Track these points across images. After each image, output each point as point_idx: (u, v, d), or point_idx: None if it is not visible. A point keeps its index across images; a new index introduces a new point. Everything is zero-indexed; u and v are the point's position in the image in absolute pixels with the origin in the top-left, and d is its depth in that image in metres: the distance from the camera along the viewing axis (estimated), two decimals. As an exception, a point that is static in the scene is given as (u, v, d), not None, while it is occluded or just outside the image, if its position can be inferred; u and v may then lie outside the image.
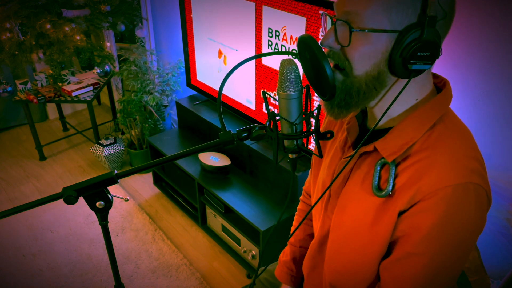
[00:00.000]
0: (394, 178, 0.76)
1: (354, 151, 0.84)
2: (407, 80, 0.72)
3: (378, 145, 0.78)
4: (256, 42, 2.03)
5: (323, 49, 0.73)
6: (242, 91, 2.25)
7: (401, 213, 0.75)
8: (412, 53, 0.68)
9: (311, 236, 1.17)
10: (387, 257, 0.82)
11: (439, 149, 0.73)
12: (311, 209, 0.87)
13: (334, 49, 0.75)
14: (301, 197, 1.23)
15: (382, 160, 0.78)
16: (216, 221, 2.27)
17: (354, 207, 0.83)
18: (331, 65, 0.76)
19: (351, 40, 0.71)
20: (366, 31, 0.70)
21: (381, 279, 0.83)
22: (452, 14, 0.73)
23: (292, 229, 1.20)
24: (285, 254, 1.19)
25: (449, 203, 0.70)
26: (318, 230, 0.95)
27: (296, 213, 1.23)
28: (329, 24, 0.77)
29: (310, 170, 1.12)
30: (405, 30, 0.69)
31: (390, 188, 0.75)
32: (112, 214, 2.55)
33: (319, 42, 0.74)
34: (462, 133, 0.77)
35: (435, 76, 0.83)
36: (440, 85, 0.82)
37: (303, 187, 1.22)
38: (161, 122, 2.88)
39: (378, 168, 0.78)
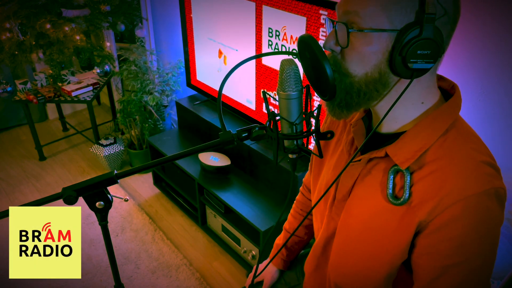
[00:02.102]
0: (410, 187, 0.75)
1: (360, 154, 0.83)
2: (409, 80, 0.72)
3: (390, 151, 0.77)
4: (256, 42, 2.02)
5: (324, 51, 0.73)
6: (242, 91, 2.25)
7: (421, 225, 0.74)
8: (411, 51, 0.68)
9: (307, 227, 1.22)
10: (405, 273, 0.81)
11: (456, 157, 0.73)
12: (311, 210, 0.86)
13: (335, 52, 0.75)
14: (300, 188, 1.25)
15: (395, 167, 0.77)
16: (216, 221, 2.27)
17: (364, 211, 0.82)
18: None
19: (351, 41, 0.71)
20: (365, 31, 0.70)
21: None
22: (457, 13, 0.72)
23: (289, 216, 1.27)
24: (279, 238, 1.27)
25: (474, 212, 0.70)
26: (322, 231, 0.95)
27: (294, 202, 1.26)
28: (331, 28, 0.77)
29: (309, 166, 1.12)
30: (404, 28, 0.68)
31: (407, 197, 0.74)
32: (112, 214, 2.55)
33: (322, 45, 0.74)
34: (474, 138, 0.76)
35: (442, 79, 0.82)
36: (448, 89, 0.81)
37: (303, 179, 1.24)
38: (161, 122, 2.87)
39: (392, 176, 0.77)
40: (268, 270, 1.25)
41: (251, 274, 1.30)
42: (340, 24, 0.72)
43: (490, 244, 0.75)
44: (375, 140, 0.83)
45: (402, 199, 0.75)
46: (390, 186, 0.77)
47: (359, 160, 0.83)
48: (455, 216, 0.71)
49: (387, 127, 0.81)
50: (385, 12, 0.68)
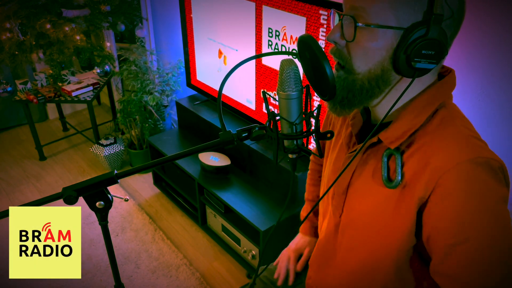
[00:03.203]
0: (402, 167, 0.75)
1: (361, 144, 0.83)
2: (411, 79, 0.72)
3: (382, 135, 0.78)
4: (256, 42, 2.03)
5: (326, 47, 0.73)
6: (242, 91, 2.25)
7: (421, 202, 0.73)
8: (416, 51, 0.68)
9: None
10: (424, 260, 0.80)
11: (445, 131, 0.73)
12: (317, 203, 0.86)
13: (339, 45, 0.75)
14: (311, 157, 1.27)
15: (388, 150, 0.77)
16: (216, 221, 2.27)
17: (365, 203, 0.83)
18: (333, 63, 0.76)
19: (356, 35, 0.72)
20: (372, 26, 0.70)
21: (440, 285, 0.77)
22: (462, 15, 0.72)
23: (308, 187, 1.27)
24: (304, 210, 1.28)
25: (467, 180, 0.69)
26: (325, 227, 0.95)
27: (308, 173, 1.27)
28: (337, 21, 0.77)
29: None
30: (410, 27, 0.69)
31: (400, 178, 0.75)
32: (112, 214, 2.55)
33: (325, 37, 0.74)
34: (464, 118, 0.77)
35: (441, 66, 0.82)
36: (444, 73, 0.81)
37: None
38: (161, 122, 2.87)
39: (385, 159, 0.78)
40: (306, 242, 1.24)
41: (282, 269, 1.23)
42: (347, 17, 0.72)
43: (495, 221, 0.70)
44: (370, 131, 0.84)
45: (395, 181, 0.75)
46: (385, 169, 0.78)
47: (356, 150, 0.83)
48: (448, 189, 0.69)
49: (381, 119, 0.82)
50: (392, 10, 0.69)
